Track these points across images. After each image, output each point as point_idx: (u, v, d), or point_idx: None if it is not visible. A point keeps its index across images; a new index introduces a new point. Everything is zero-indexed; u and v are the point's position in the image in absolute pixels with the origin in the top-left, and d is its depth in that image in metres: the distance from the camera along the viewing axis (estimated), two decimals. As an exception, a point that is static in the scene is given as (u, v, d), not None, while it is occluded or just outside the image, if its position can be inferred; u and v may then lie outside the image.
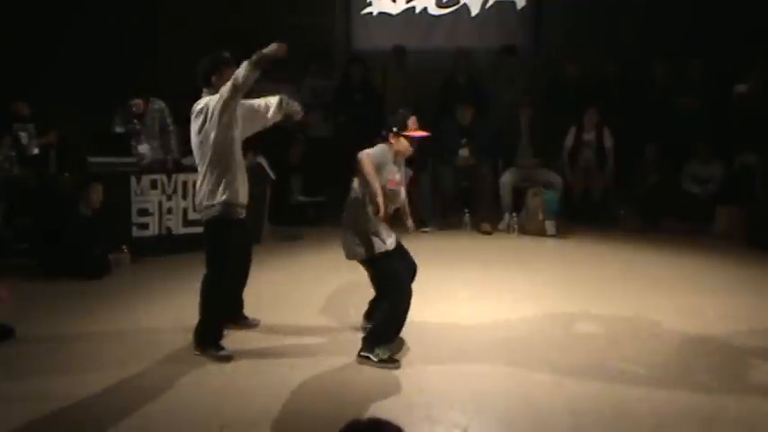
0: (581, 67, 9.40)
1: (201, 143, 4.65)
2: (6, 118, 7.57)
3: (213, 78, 4.67)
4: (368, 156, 4.54)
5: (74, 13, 9.29)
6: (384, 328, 4.64)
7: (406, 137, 4.71)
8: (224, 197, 4.65)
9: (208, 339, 4.71)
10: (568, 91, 9.16)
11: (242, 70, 4.47)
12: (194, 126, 4.68)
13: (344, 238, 4.69)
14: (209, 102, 4.62)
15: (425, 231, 8.27)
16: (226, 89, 4.52)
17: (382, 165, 4.61)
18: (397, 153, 4.75)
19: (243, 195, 4.78)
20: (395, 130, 4.69)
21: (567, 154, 8.86)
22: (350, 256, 4.70)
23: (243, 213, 4.83)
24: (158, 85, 8.12)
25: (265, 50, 4.49)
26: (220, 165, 4.64)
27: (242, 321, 5.15)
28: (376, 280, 4.81)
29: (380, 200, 4.48)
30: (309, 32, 9.89)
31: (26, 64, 8.61)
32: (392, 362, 4.56)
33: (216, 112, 4.56)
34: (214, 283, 4.71)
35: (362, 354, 4.59)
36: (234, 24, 9.54)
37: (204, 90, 4.73)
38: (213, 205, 4.66)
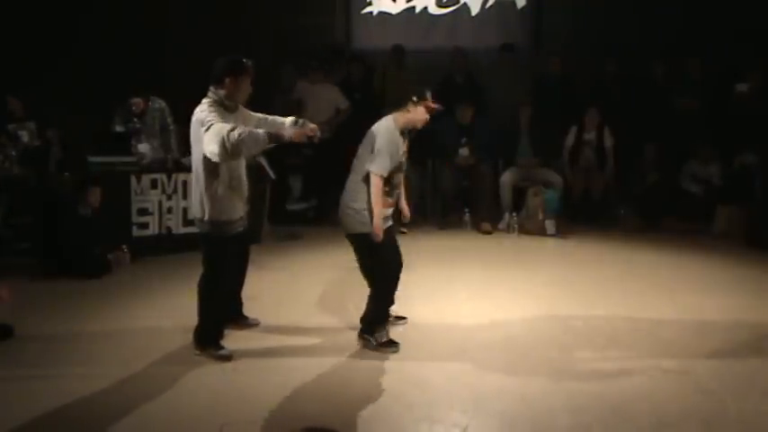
0: (581, 67, 9.42)
1: (198, 152, 4.51)
2: (1, 117, 7.56)
3: (227, 80, 4.50)
4: (379, 177, 4.59)
5: (79, 13, 9.29)
6: (377, 308, 4.76)
7: (425, 106, 4.76)
8: (211, 216, 4.55)
9: (207, 339, 4.71)
10: (553, 88, 9.18)
11: (256, 140, 4.26)
12: (192, 132, 4.54)
13: (344, 212, 4.73)
14: (205, 115, 4.40)
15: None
16: (217, 146, 4.20)
17: (394, 152, 4.65)
18: (409, 122, 4.77)
19: (237, 210, 4.67)
20: (414, 99, 4.74)
21: (567, 153, 8.87)
22: (348, 229, 4.74)
23: (240, 226, 4.75)
24: (160, 85, 8.11)
25: (283, 133, 4.44)
26: (207, 180, 4.52)
27: (242, 321, 5.15)
28: (363, 258, 4.79)
29: (378, 222, 4.59)
30: (310, 32, 9.91)
31: (27, 63, 8.61)
32: (391, 345, 4.69)
33: (202, 139, 4.34)
34: (211, 284, 4.70)
35: (364, 335, 4.76)
36: (235, 24, 9.55)
37: (211, 88, 4.55)
38: (203, 221, 4.60)
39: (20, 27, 8.94)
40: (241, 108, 4.69)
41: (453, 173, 8.55)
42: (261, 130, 4.35)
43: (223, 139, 4.20)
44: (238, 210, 4.70)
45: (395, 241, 4.89)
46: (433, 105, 4.80)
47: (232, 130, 4.23)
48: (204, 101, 4.56)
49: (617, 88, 9.18)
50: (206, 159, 4.44)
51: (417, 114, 4.75)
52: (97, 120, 8.01)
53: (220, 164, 4.46)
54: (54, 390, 4.21)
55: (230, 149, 4.22)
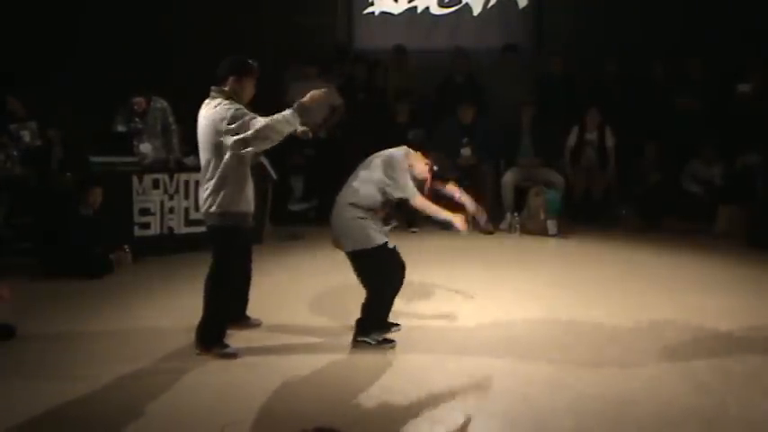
0: (583, 66, 9.44)
1: (216, 147, 4.54)
2: (2, 118, 7.55)
3: (231, 79, 4.57)
4: (422, 199, 4.84)
5: (80, 13, 9.31)
6: (377, 312, 4.78)
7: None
8: (240, 207, 4.62)
9: (211, 338, 4.71)
10: (554, 88, 9.19)
11: (285, 122, 4.44)
12: (208, 128, 4.56)
13: (347, 229, 4.76)
14: (230, 107, 4.47)
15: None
16: (260, 132, 4.40)
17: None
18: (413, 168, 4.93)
19: (252, 203, 4.77)
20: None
21: (569, 153, 8.87)
22: (356, 245, 4.75)
23: (251, 222, 4.84)
24: (161, 84, 8.11)
25: (304, 100, 4.52)
26: (237, 172, 4.57)
27: (244, 322, 5.14)
28: (370, 270, 4.77)
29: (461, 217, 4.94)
30: (312, 32, 9.92)
31: (29, 63, 8.62)
32: (388, 342, 4.75)
33: (242, 129, 4.43)
34: (218, 283, 4.70)
35: (358, 339, 4.74)
36: (237, 24, 9.57)
37: (214, 88, 4.60)
38: (226, 213, 4.60)
39: (21, 27, 8.95)
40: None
41: (455, 173, 8.54)
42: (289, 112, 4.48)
43: (261, 131, 4.40)
44: (253, 204, 4.77)
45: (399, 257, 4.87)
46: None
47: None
48: (217, 99, 4.57)
49: (618, 88, 9.19)
50: (233, 152, 4.49)
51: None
52: (99, 120, 8.01)
53: (245, 157, 4.57)
54: (56, 389, 4.21)
55: (267, 136, 4.43)
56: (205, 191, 4.65)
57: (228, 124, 4.45)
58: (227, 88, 4.57)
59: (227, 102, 4.53)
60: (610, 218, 8.67)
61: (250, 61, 4.66)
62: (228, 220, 4.63)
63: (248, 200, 4.70)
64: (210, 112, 4.56)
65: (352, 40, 10.48)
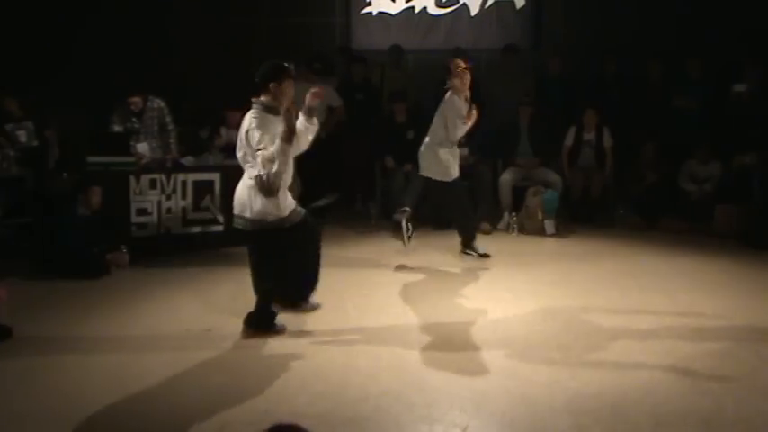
0: (580, 66, 9.45)
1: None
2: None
3: (272, 86, 4.80)
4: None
5: (78, 14, 9.29)
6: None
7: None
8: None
9: (260, 323, 4.99)
10: (552, 88, 9.19)
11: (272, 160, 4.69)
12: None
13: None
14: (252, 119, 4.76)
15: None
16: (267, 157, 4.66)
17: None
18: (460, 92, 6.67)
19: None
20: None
21: (565, 153, 8.87)
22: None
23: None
24: (161, 84, 8.09)
25: (309, 103, 4.94)
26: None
27: (300, 305, 5.40)
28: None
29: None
30: (309, 32, 9.91)
31: (26, 63, 8.61)
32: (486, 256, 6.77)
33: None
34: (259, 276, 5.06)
35: (466, 251, 6.93)
36: (235, 23, 9.55)
37: (254, 100, 4.84)
38: (280, 216, 4.91)
39: (19, 28, 8.94)
40: None
41: None
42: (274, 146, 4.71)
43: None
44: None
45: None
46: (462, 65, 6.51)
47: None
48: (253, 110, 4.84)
49: (616, 88, 9.20)
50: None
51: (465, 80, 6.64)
52: (95, 120, 8.00)
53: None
54: (52, 391, 4.21)
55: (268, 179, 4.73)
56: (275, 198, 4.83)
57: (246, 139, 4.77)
58: (268, 95, 4.81)
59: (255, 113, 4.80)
60: (607, 218, 8.67)
61: (286, 64, 4.91)
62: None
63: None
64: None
65: (349, 41, 10.47)
